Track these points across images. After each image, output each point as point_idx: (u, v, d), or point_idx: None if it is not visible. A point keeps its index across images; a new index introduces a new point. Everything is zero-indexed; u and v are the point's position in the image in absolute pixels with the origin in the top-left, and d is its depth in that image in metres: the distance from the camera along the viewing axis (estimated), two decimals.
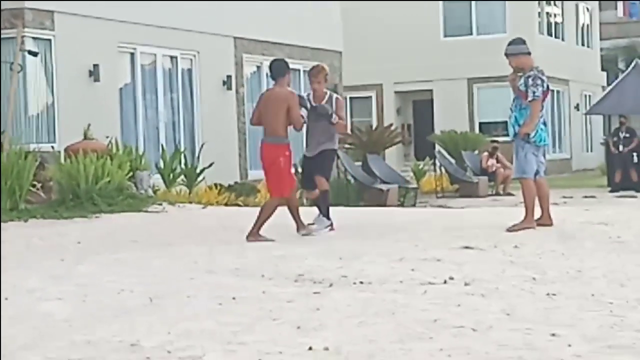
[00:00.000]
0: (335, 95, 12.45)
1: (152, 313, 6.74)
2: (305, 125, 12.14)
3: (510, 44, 11.66)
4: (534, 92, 11.29)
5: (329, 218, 12.13)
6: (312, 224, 12.08)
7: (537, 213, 11.56)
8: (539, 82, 11.32)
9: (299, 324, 6.22)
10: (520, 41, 11.66)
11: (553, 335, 5.85)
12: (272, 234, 11.72)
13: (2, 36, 17.13)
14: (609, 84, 38.98)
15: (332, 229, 12.05)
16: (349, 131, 12.51)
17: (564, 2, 41.02)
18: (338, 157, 22.88)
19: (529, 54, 11.60)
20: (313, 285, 7.80)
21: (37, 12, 17.44)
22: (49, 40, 17.68)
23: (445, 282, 7.86)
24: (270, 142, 11.54)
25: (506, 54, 11.60)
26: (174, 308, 6.90)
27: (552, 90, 11.50)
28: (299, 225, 11.82)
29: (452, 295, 7.20)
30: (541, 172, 11.60)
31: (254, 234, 11.31)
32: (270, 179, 11.72)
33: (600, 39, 45.90)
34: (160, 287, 7.79)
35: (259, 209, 11.94)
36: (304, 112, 11.84)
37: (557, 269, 8.50)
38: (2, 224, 13.17)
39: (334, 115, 12.06)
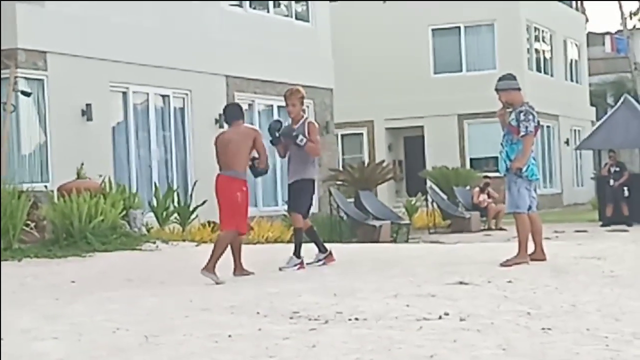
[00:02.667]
0: (309, 120, 12.44)
1: (148, 352, 6.73)
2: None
3: (500, 79, 11.74)
4: (526, 127, 11.35)
5: (299, 257, 12.04)
6: (310, 262, 12.11)
7: (530, 248, 11.58)
8: (530, 117, 11.39)
9: None
10: (511, 77, 11.74)
11: None
12: (265, 270, 11.75)
13: None
14: (598, 119, 39.10)
15: (301, 267, 11.97)
16: (319, 153, 12.37)
17: (553, 38, 41.28)
18: (330, 192, 22.95)
19: (519, 89, 11.67)
20: (309, 322, 7.79)
21: (29, 52, 17.51)
22: (42, 80, 17.74)
23: (440, 317, 7.86)
24: (228, 175, 11.46)
25: (496, 90, 11.67)
26: (170, 346, 6.89)
27: (542, 126, 11.58)
28: (237, 266, 11.66)
29: (448, 331, 7.21)
30: (533, 207, 11.64)
31: (208, 268, 11.12)
32: (226, 212, 11.50)
33: (589, 75, 46.14)
34: (155, 326, 7.77)
35: (253, 245, 11.93)
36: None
37: (551, 304, 8.51)
38: None
39: (299, 137, 12.01)
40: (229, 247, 11.56)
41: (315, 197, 23.81)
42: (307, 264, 12.09)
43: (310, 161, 12.23)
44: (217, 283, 10.85)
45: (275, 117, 23.89)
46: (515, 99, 11.57)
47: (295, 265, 11.98)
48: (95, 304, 9.35)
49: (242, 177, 11.48)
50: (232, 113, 11.85)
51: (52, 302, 9.58)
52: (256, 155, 11.68)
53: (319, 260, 12.29)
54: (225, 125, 12.19)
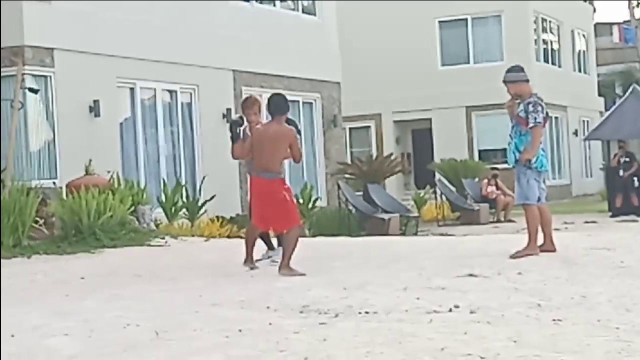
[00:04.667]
0: None
1: (159, 347, 6.73)
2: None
3: (508, 71, 11.70)
4: (535, 119, 11.32)
5: (273, 249, 12.18)
6: (260, 259, 12.07)
7: (540, 239, 11.56)
8: (539, 108, 11.36)
9: (306, 355, 6.21)
10: (519, 68, 11.70)
11: None
12: (276, 265, 11.76)
13: (2, 74, 17.20)
14: (606, 109, 39.09)
15: (274, 261, 11.94)
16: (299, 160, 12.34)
17: (560, 29, 41.20)
18: (339, 186, 22.93)
19: (528, 81, 11.63)
20: (319, 316, 7.79)
21: (36, 49, 17.51)
22: (49, 77, 17.74)
23: (450, 310, 7.85)
24: (268, 178, 11.25)
25: (505, 81, 11.64)
26: (181, 342, 6.89)
27: (551, 117, 11.55)
28: (248, 259, 11.62)
29: (458, 324, 7.20)
30: (542, 198, 11.61)
31: (285, 266, 11.04)
32: (277, 213, 11.32)
33: (597, 65, 46.06)
34: (165, 321, 7.78)
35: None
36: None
37: (562, 295, 8.50)
38: (5, 261, 13.17)
39: None
40: (245, 237, 11.66)
41: (324, 191, 23.86)
42: (257, 260, 11.96)
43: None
44: (302, 275, 10.81)
45: None
46: (524, 90, 11.54)
47: (270, 257, 12.08)
48: (106, 300, 9.37)
49: (282, 178, 11.45)
50: (277, 105, 11.42)
51: (62, 299, 9.59)
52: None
53: (270, 257, 12.24)
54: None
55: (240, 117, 12.39)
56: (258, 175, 11.37)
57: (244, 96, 22.46)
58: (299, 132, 11.94)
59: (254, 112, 12.19)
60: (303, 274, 10.78)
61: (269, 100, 11.62)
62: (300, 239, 11.47)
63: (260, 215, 11.48)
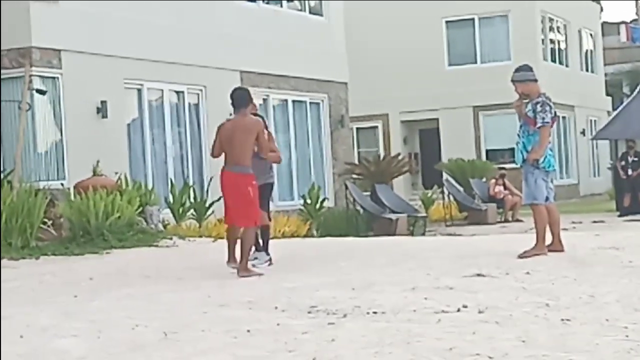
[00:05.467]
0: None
1: (167, 348, 6.74)
2: None
3: (516, 70, 11.68)
4: (543, 118, 11.30)
5: (268, 253, 12.15)
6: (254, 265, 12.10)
7: (548, 239, 11.54)
8: (547, 108, 11.34)
9: (314, 356, 6.21)
10: (527, 68, 11.68)
11: None
12: (282, 265, 11.77)
13: (10, 75, 17.24)
14: (614, 109, 39.03)
15: (270, 264, 12.02)
16: (280, 159, 12.40)
17: (567, 28, 41.15)
18: (346, 186, 22.94)
19: (536, 80, 11.61)
20: (327, 316, 7.79)
21: (44, 50, 17.54)
22: (57, 78, 17.77)
23: (459, 310, 7.84)
24: (236, 172, 11.32)
25: (513, 81, 11.62)
26: (189, 342, 6.89)
27: (558, 116, 11.54)
28: (231, 258, 11.58)
29: (467, 324, 7.19)
30: (551, 198, 11.60)
31: (243, 268, 11.13)
32: (239, 208, 11.37)
33: (604, 64, 46.00)
34: (174, 322, 7.78)
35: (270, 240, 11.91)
36: None
37: (570, 295, 8.49)
38: (13, 262, 13.21)
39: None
40: (226, 238, 11.60)
41: (331, 192, 23.88)
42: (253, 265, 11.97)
43: (267, 167, 12.35)
44: (259, 275, 10.93)
45: (290, 111, 23.93)
46: (532, 90, 11.53)
47: (266, 261, 12.09)
48: (114, 300, 9.38)
49: (250, 173, 11.34)
50: (239, 98, 11.52)
51: (70, 300, 9.60)
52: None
53: (266, 261, 12.23)
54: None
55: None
56: (228, 169, 11.47)
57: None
58: (266, 127, 12.00)
59: (245, 113, 12.21)
60: (261, 274, 10.93)
61: (231, 94, 11.68)
62: (307, 239, 11.49)
63: (226, 209, 11.57)
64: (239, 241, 11.44)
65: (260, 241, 12.33)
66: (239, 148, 11.29)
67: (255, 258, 12.14)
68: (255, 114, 11.81)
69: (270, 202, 12.69)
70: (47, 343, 7.08)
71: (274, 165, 12.96)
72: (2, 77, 17.44)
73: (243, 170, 11.30)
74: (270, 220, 12.48)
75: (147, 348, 6.74)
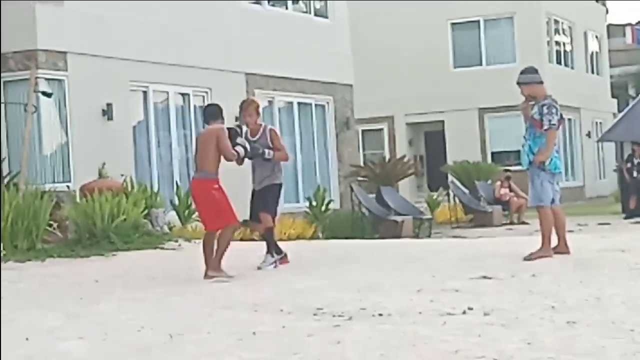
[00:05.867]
0: (269, 127, 12.44)
1: (173, 350, 6.74)
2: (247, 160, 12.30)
3: (522, 72, 11.66)
4: (549, 121, 11.29)
5: (273, 255, 12.12)
6: (260, 267, 12.09)
7: (554, 241, 11.53)
8: (554, 110, 11.33)
9: (319, 358, 6.22)
10: (533, 70, 11.67)
11: None
12: (287, 267, 11.78)
13: (16, 78, 17.26)
14: (619, 111, 38.96)
15: (276, 266, 12.00)
16: (290, 158, 12.41)
17: (573, 30, 41.12)
18: (352, 188, 22.94)
19: (542, 82, 11.59)
20: (332, 319, 7.79)
21: (50, 53, 17.55)
22: (62, 80, 17.77)
23: (464, 312, 7.84)
24: (199, 177, 11.54)
25: (518, 83, 11.60)
26: (194, 345, 6.90)
27: (564, 119, 11.52)
28: (208, 265, 11.42)
29: (472, 326, 7.19)
30: (557, 200, 11.59)
31: (214, 268, 11.14)
32: (208, 212, 11.52)
33: (610, 66, 45.93)
34: (179, 324, 7.79)
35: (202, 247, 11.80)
36: (240, 149, 11.72)
37: (576, 297, 8.48)
38: (19, 264, 13.22)
39: (266, 152, 12.08)
40: (202, 246, 11.54)
41: (337, 194, 23.86)
42: (258, 267, 12.05)
43: (276, 167, 12.34)
44: (229, 277, 10.94)
45: (296, 113, 23.93)
46: (538, 92, 11.51)
47: (272, 264, 12.05)
48: (119, 303, 9.38)
49: (212, 177, 11.44)
50: (208, 113, 11.78)
51: (76, 302, 9.61)
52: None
53: (271, 263, 12.20)
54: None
55: (238, 126, 12.40)
56: (195, 176, 11.76)
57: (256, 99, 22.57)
58: (262, 154, 12.06)
59: (249, 113, 12.33)
60: (231, 277, 10.94)
61: (203, 110, 12.04)
62: (313, 242, 11.48)
63: (200, 216, 11.71)
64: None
65: (265, 243, 12.34)
66: (202, 155, 11.51)
67: (263, 262, 12.18)
68: (230, 129, 11.85)
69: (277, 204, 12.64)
70: (52, 345, 7.10)
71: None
72: (8, 79, 17.46)
73: (206, 175, 11.46)
74: (274, 223, 12.44)
75: (153, 350, 6.75)
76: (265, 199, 12.25)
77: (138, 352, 6.69)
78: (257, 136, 12.22)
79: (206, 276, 11.18)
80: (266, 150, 12.10)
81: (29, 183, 15.47)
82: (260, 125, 12.36)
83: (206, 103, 21.14)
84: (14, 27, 17.19)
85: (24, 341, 7.26)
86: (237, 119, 21.62)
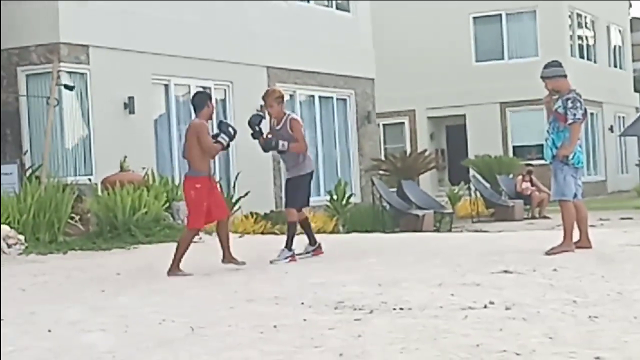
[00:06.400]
0: (290, 117, 12.30)
1: (194, 343, 6.75)
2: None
3: (546, 66, 11.60)
4: (574, 115, 11.23)
5: (290, 249, 12.09)
6: (301, 253, 12.16)
7: (575, 236, 11.48)
8: (578, 104, 11.27)
9: (341, 352, 6.21)
10: (557, 64, 11.61)
11: (597, 358, 5.82)
12: (308, 260, 11.78)
13: (39, 71, 17.34)
14: None
15: (292, 260, 11.99)
16: (304, 149, 12.31)
17: (595, 24, 40.92)
18: (373, 182, 22.92)
19: (566, 76, 11.53)
20: (353, 312, 7.78)
21: (72, 46, 17.62)
22: (85, 74, 17.85)
23: (485, 306, 7.81)
24: (187, 175, 11.52)
25: (542, 77, 11.54)
26: (216, 338, 6.90)
27: (587, 113, 11.48)
28: (225, 254, 11.56)
29: (494, 320, 7.17)
30: (579, 195, 11.53)
31: (173, 269, 11.19)
32: (187, 210, 11.63)
33: (633, 60, 45.71)
34: (201, 317, 7.80)
35: (296, 236, 11.92)
36: (223, 138, 11.57)
37: (597, 292, 8.44)
38: (41, 256, 13.28)
39: (280, 144, 12.01)
40: (217, 236, 11.58)
41: (358, 188, 23.81)
42: (298, 254, 12.15)
43: (300, 158, 12.23)
44: (186, 275, 10.98)
45: (317, 107, 23.93)
46: (562, 86, 11.45)
47: (287, 257, 12.01)
48: (141, 295, 9.40)
49: (196, 175, 11.32)
50: (195, 104, 11.62)
51: (98, 295, 9.64)
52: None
53: (308, 252, 12.36)
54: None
55: (257, 115, 12.37)
56: (185, 174, 11.68)
57: None
58: (276, 146, 12.05)
59: (269, 104, 12.27)
60: (190, 274, 10.97)
61: (191, 100, 11.86)
62: (333, 236, 11.51)
63: None
64: (230, 236, 11.65)
65: (306, 234, 12.40)
66: (188, 151, 11.44)
67: (307, 252, 12.26)
68: (221, 124, 11.85)
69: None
70: (75, 337, 7.12)
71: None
72: (30, 72, 17.55)
73: (190, 173, 11.44)
74: (299, 214, 12.39)
75: (174, 343, 6.76)
76: (290, 191, 12.25)
77: (160, 345, 6.70)
78: (280, 125, 12.18)
79: (224, 260, 11.41)
80: (280, 142, 12.02)
81: (51, 176, 15.54)
82: (284, 114, 12.30)
83: (227, 96, 21.23)
84: (37, 20, 17.28)
85: (46, 334, 7.29)
86: (261, 107, 21.73)
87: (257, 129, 12.12)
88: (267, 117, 12.58)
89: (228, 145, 11.72)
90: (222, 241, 11.56)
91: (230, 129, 11.55)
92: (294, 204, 12.19)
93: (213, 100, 20.56)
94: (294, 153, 12.12)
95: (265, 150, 12.36)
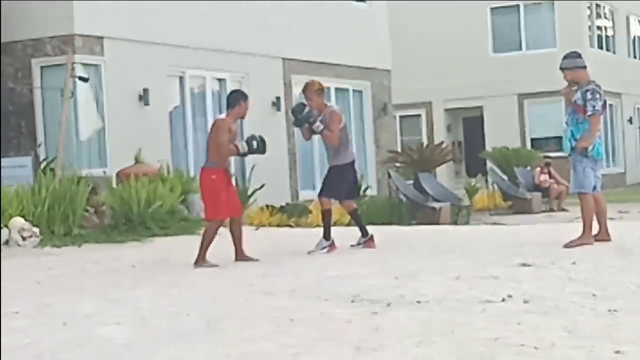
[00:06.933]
0: (330, 109, 12.34)
1: (210, 336, 6.73)
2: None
3: (565, 57, 11.51)
4: (593, 107, 11.13)
5: (327, 239, 12.11)
6: (355, 244, 12.20)
7: (595, 228, 11.40)
8: (597, 96, 11.18)
9: (358, 345, 6.16)
10: (576, 55, 11.52)
11: (617, 352, 5.76)
12: (326, 254, 11.74)
13: (53, 63, 17.34)
14: None
15: (329, 250, 12.01)
16: (336, 142, 12.29)
17: (615, 14, 40.72)
18: (389, 174, 22.85)
19: (585, 67, 11.43)
20: (370, 305, 7.73)
21: (86, 38, 17.60)
22: (99, 65, 17.83)
23: (503, 300, 7.76)
24: (203, 167, 11.63)
25: (561, 68, 11.45)
26: (232, 330, 6.87)
27: (607, 104, 11.41)
28: (237, 252, 11.59)
29: (512, 313, 7.11)
30: (598, 187, 11.45)
31: (199, 261, 11.22)
32: (204, 202, 11.66)
33: None
34: (217, 310, 7.78)
35: (312, 228, 11.91)
36: (242, 144, 11.59)
37: (617, 285, 8.37)
38: (56, 249, 13.28)
39: (316, 123, 12.07)
40: (230, 233, 11.60)
41: (374, 180, 23.73)
42: (351, 245, 12.21)
43: (339, 148, 12.25)
44: (213, 266, 11.01)
45: (333, 99, 23.86)
46: (581, 77, 11.36)
47: (324, 247, 12.04)
48: (157, 288, 9.38)
49: (211, 166, 11.43)
50: (228, 102, 11.83)
51: (113, 287, 9.62)
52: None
53: (360, 243, 12.39)
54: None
55: (301, 103, 12.46)
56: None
57: (293, 84, 22.55)
58: (312, 122, 12.09)
59: (308, 97, 12.32)
60: (216, 265, 10.98)
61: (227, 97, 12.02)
62: (350, 228, 11.45)
63: None
64: (246, 229, 11.87)
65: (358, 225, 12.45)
66: (208, 144, 11.62)
67: (359, 243, 12.32)
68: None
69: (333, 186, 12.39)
70: (90, 330, 7.10)
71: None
72: (45, 64, 17.55)
73: (206, 164, 11.58)
74: (348, 205, 12.45)
75: (191, 336, 6.73)
76: (327, 180, 12.37)
77: (176, 338, 6.68)
78: (321, 117, 12.24)
79: (237, 258, 11.44)
80: (317, 122, 12.11)
81: (65, 168, 15.53)
82: (326, 105, 12.37)
83: (242, 88, 21.18)
84: (52, 12, 17.26)
85: (62, 326, 7.27)
86: (273, 104, 21.67)
87: (299, 116, 12.20)
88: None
89: (245, 154, 11.79)
90: (234, 239, 11.59)
91: (254, 142, 11.62)
92: (327, 193, 12.23)
93: (229, 92, 20.74)
94: (332, 146, 12.20)
95: (299, 122, 12.33)
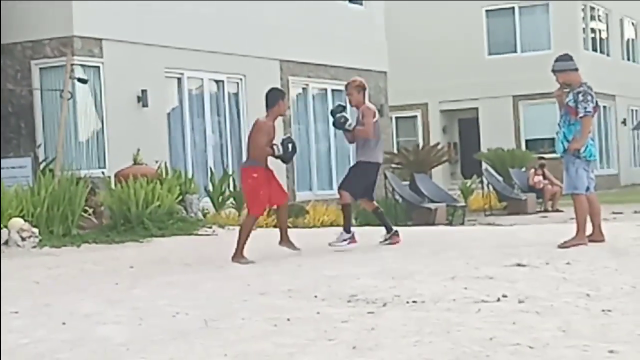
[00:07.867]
0: (366, 106, 12.51)
1: (208, 335, 6.77)
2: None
3: (557, 60, 11.59)
4: (585, 108, 11.22)
5: (348, 232, 12.29)
6: (382, 241, 12.49)
7: (588, 229, 11.47)
8: (589, 97, 11.25)
9: (354, 344, 6.22)
10: (568, 57, 11.60)
11: (611, 352, 5.81)
12: (321, 253, 11.79)
13: (52, 64, 17.39)
14: None
15: (351, 242, 12.21)
16: (370, 135, 12.41)
17: (609, 17, 40.80)
18: (385, 176, 22.91)
19: (577, 69, 11.52)
20: (367, 305, 7.79)
21: (85, 40, 17.66)
22: (98, 67, 17.89)
23: (498, 300, 7.82)
24: (242, 165, 11.97)
25: (553, 70, 11.53)
26: (230, 330, 6.92)
27: (599, 106, 11.48)
28: (282, 237, 12.00)
29: (507, 313, 7.17)
30: (591, 188, 11.52)
31: (237, 256, 11.48)
32: (246, 199, 12.10)
33: None
34: (214, 310, 7.82)
35: (309, 229, 12.00)
36: (276, 147, 11.78)
37: (611, 285, 8.43)
38: (55, 249, 13.33)
39: (348, 122, 12.32)
40: (277, 220, 12.00)
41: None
42: (380, 242, 12.48)
43: (368, 145, 12.39)
44: (249, 262, 11.27)
45: (330, 101, 23.93)
46: (573, 79, 11.44)
47: (345, 240, 12.21)
48: (155, 288, 9.43)
49: (251, 165, 11.69)
50: (267, 101, 11.93)
51: (112, 287, 9.68)
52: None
53: (386, 239, 12.58)
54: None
55: (340, 105, 12.73)
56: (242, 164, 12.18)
57: (290, 85, 22.62)
58: (343, 123, 12.32)
59: (348, 92, 12.52)
60: (252, 262, 11.25)
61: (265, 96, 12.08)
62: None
63: None
64: (287, 217, 12.19)
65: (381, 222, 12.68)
66: (248, 143, 11.90)
67: (385, 240, 12.54)
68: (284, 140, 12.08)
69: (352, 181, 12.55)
70: (89, 330, 7.15)
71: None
72: (44, 66, 17.61)
73: (246, 163, 11.93)
74: (369, 204, 12.69)
75: (188, 335, 6.78)
76: (349, 174, 12.56)
77: (174, 337, 6.73)
78: (357, 114, 12.50)
79: (282, 243, 11.96)
80: (349, 121, 12.38)
81: (64, 169, 15.57)
82: (363, 103, 12.50)
83: (239, 89, 21.25)
84: (51, 14, 17.31)
85: (61, 326, 7.32)
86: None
87: (336, 116, 12.41)
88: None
89: (280, 157, 11.98)
90: (281, 225, 11.97)
91: (289, 145, 11.88)
92: (346, 187, 12.40)
93: (226, 94, 20.81)
94: (362, 140, 12.37)
95: (336, 125, 12.56)
